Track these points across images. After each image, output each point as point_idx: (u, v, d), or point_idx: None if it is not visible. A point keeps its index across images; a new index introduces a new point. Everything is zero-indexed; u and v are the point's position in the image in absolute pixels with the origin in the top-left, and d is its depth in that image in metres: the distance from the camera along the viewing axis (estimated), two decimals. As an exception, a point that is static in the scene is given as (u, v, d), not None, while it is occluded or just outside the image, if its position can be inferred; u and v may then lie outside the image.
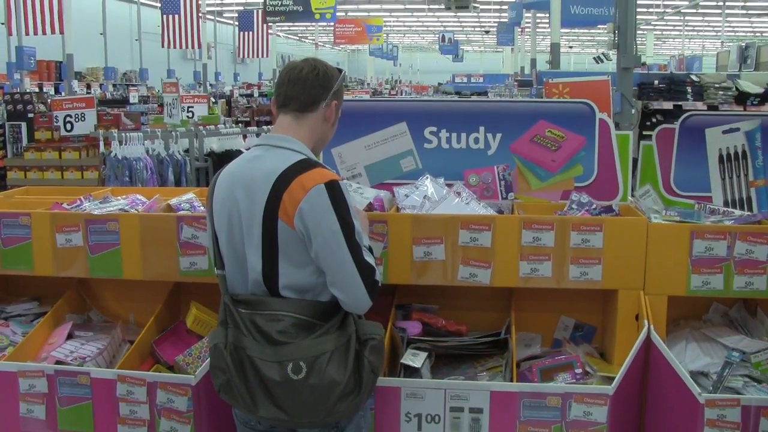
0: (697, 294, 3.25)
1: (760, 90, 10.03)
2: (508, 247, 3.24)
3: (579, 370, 3.26)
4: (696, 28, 43.93)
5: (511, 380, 3.13)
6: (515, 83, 16.15)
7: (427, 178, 3.59)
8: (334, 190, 2.59)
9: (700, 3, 28.52)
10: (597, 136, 3.65)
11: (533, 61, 22.78)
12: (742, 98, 10.08)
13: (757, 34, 41.94)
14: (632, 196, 3.63)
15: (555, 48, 16.71)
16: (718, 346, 3.28)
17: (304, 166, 2.63)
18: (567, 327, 3.66)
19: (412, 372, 3.20)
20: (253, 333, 2.61)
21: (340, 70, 2.87)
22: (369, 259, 2.67)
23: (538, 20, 26.15)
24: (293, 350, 2.57)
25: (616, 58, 8.55)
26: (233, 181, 2.71)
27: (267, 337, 2.59)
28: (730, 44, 26.61)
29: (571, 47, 48.04)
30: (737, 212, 3.45)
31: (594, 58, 21.68)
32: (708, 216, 3.40)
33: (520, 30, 29.21)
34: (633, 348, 3.10)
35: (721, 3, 31.20)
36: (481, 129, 3.71)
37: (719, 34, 39.07)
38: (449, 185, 3.59)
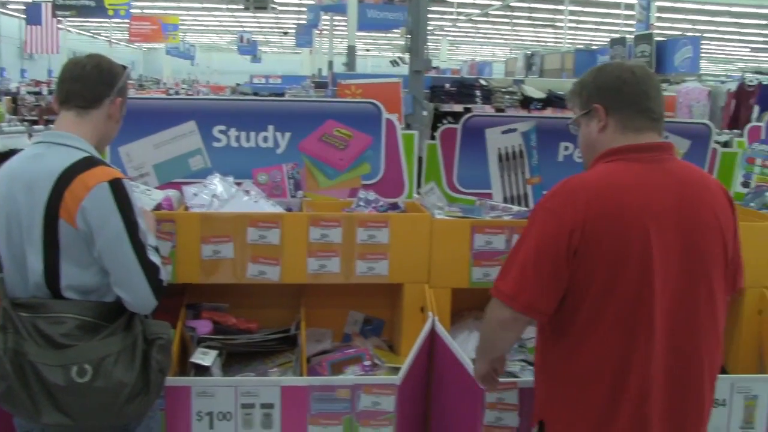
0: (479, 286, 3.40)
1: (542, 95, 10.61)
2: (297, 244, 3.28)
3: (368, 363, 3.34)
4: (487, 36, 45.73)
5: (301, 375, 3.17)
6: (312, 84, 16.28)
7: (216, 176, 3.57)
8: (117, 188, 2.54)
9: (490, 12, 29.70)
10: (384, 135, 3.74)
11: (330, 63, 23.06)
12: (526, 102, 10.63)
13: (542, 44, 44.16)
14: (417, 193, 3.75)
15: (351, 50, 16.94)
16: (498, 335, 3.44)
17: (87, 164, 2.56)
18: (357, 321, 3.74)
19: (202, 371, 3.17)
20: (35, 337, 2.51)
21: (124, 67, 2.81)
22: (154, 258, 2.64)
23: (335, 23, 26.49)
24: (78, 353, 2.50)
25: (409, 61, 8.77)
26: (12, 179, 2.61)
27: (50, 340, 2.51)
28: (518, 52, 27.89)
29: (368, 50, 48.85)
30: (515, 208, 3.63)
31: (390, 62, 22.21)
32: (488, 212, 3.57)
33: (318, 32, 29.44)
34: (418, 339, 3.21)
35: (509, 13, 32.67)
36: (270, 128, 3.73)
37: (508, 42, 40.92)
38: (238, 184, 3.59)
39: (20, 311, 2.56)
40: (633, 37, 17.17)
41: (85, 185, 2.51)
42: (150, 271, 2.60)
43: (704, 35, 27.83)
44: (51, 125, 2.84)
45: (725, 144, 6.25)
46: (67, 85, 2.69)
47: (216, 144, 3.74)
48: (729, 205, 2.59)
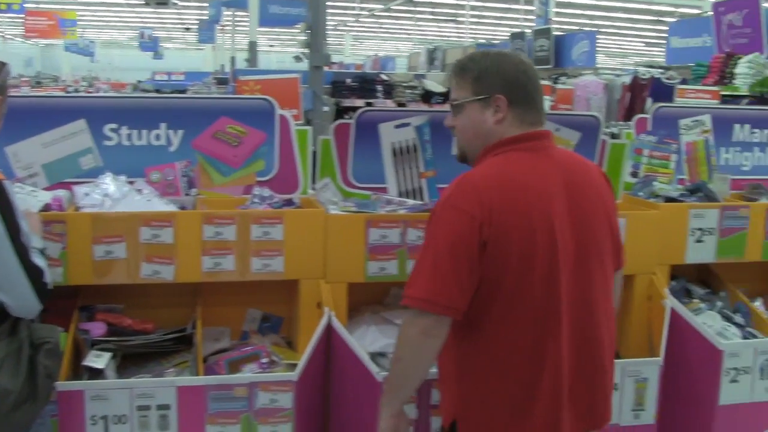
0: (375, 280, 3.42)
1: (443, 89, 10.72)
2: (190, 242, 3.25)
3: (265, 360, 3.33)
4: (390, 31, 45.92)
5: (198, 374, 3.15)
6: (214, 81, 16.11)
7: (107, 176, 3.51)
8: None
9: (393, 7, 29.83)
10: (277, 131, 3.73)
11: (233, 59, 22.84)
12: (427, 96, 10.73)
13: (445, 38, 44.57)
14: (313, 189, 3.75)
15: (253, 46, 16.88)
16: (395, 328, 3.46)
17: None
18: (254, 319, 3.72)
19: (96, 374, 3.12)
20: None
21: (3, 64, 2.73)
22: (38, 261, 2.57)
23: (238, 18, 26.22)
24: None
25: (309, 56, 8.76)
26: None
27: None
28: (422, 47, 28.09)
29: (272, 46, 48.49)
30: (410, 201, 3.67)
31: (294, 57, 22.10)
32: (384, 206, 3.59)
33: (220, 28, 29.11)
34: (314, 335, 3.22)
35: (412, 8, 32.84)
36: (163, 125, 3.67)
37: (411, 36, 41.15)
38: (131, 183, 3.53)
39: None
40: (532, 31, 17.51)
41: None
42: (33, 274, 2.53)
43: (600, 30, 28.52)
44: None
45: (615, 136, 6.43)
46: None
47: (107, 142, 3.67)
48: (608, 185, 2.71)
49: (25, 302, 2.53)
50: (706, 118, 4.36)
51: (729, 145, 4.46)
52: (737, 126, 4.46)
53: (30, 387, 2.54)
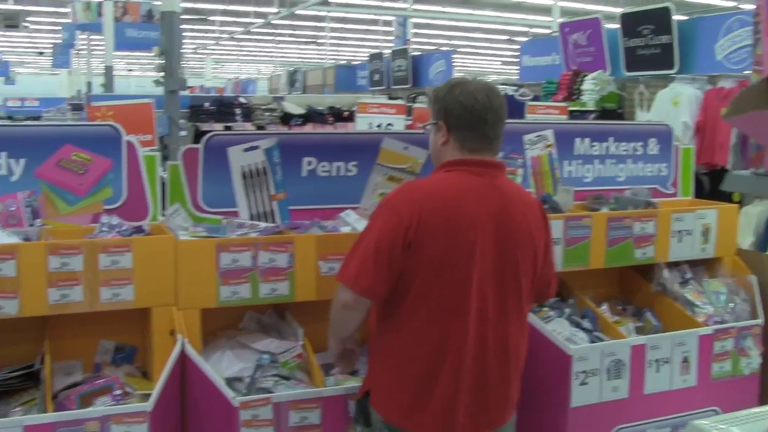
0: (228, 304, 3.41)
1: (302, 111, 10.77)
2: (35, 274, 3.15)
3: (118, 392, 3.26)
4: (251, 53, 45.73)
5: (47, 411, 3.05)
6: (69, 107, 15.67)
7: (-55, 209, 3.38)
8: None
9: (253, 30, 29.70)
10: (125, 158, 3.67)
11: (89, 84, 22.29)
12: (287, 119, 10.75)
13: (306, 60, 44.70)
14: (162, 215, 3.70)
15: (109, 71, 16.56)
16: (251, 352, 3.47)
17: None
18: (107, 350, 3.63)
19: (-64, 418, 2.99)
20: None
21: None
22: None
23: (94, 42, 25.61)
24: None
25: (164, 81, 8.66)
26: None
27: None
28: (283, 69, 28.10)
29: (131, 70, 47.54)
30: (262, 224, 3.67)
31: (154, 82, 21.74)
32: (235, 230, 3.58)
33: (76, 52, 28.37)
34: (168, 363, 3.18)
35: (272, 30, 32.81)
36: (3, 154, 3.55)
37: (273, 59, 41.10)
38: (-31, 216, 3.41)
39: None
40: (390, 52, 17.77)
41: None
42: None
43: (458, 50, 29.18)
44: None
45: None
46: None
47: (-56, 175, 3.53)
48: (543, 222, 3.04)
49: None
50: (549, 133, 4.52)
51: (571, 158, 4.63)
52: (578, 140, 4.64)
53: None
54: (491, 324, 2.86)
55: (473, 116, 2.85)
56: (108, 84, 16.64)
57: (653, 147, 4.83)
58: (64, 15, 25.57)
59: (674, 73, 9.21)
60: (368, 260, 2.76)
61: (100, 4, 17.59)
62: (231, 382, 3.30)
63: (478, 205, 2.82)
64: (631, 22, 10.04)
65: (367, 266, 2.75)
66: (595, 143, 4.68)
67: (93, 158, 3.62)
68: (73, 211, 3.62)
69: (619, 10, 10.91)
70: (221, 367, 3.36)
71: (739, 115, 1.64)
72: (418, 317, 2.82)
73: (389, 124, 10.04)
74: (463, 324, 2.81)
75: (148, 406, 3.04)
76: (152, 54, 10.68)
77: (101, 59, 22.73)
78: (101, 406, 3.14)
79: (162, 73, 8.79)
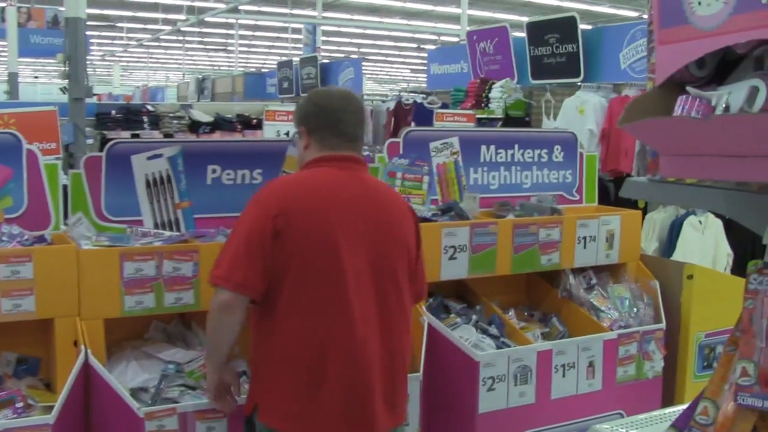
0: (132, 314, 3.36)
1: (210, 118, 10.68)
2: (-70, 285, 3.07)
3: (20, 404, 3.17)
4: (160, 61, 45.15)
5: (-57, 427, 2.97)
6: (-30, 115, 15.28)
7: None
8: None
9: (161, 37, 29.36)
10: (25, 166, 3.59)
11: (-9, 92, 21.72)
12: (195, 126, 10.65)
13: (215, 67, 44.32)
14: (65, 224, 3.63)
15: (13, 78, 16.18)
16: (157, 362, 3.42)
17: None
18: (9, 362, 3.53)
19: None
20: None
21: None
22: None
23: (-5, 49, 24.99)
24: None
25: (69, 88, 8.50)
26: None
27: None
28: (192, 77, 27.82)
29: (37, 77, 46.43)
30: (167, 233, 3.62)
31: (60, 89, 21.27)
32: (140, 238, 3.53)
33: (-23, 59, 27.63)
34: (70, 375, 3.11)
35: (180, 38, 32.47)
36: None
37: (181, 66, 40.64)
38: None
39: None
40: (299, 60, 17.76)
41: None
42: None
43: (367, 57, 29.33)
44: None
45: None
46: None
47: None
48: (413, 221, 3.09)
49: None
50: (455, 141, 4.58)
51: (477, 165, 4.69)
52: (484, 147, 4.71)
53: None
54: (374, 324, 2.85)
55: (330, 115, 2.97)
56: (12, 91, 16.23)
57: (558, 154, 4.93)
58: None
59: (580, 82, 9.39)
60: (239, 254, 2.74)
61: (3, 9, 17.13)
62: (136, 392, 3.25)
63: (342, 191, 2.89)
64: (537, 31, 10.20)
65: (239, 260, 2.73)
66: (500, 150, 4.75)
67: (-8, 167, 3.53)
68: (-26, 222, 3.52)
69: (526, 19, 11.08)
70: (126, 378, 3.30)
71: (632, 122, 1.70)
72: (295, 316, 2.79)
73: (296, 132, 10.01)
74: (344, 323, 2.79)
75: (51, 418, 2.97)
76: (53, 60, 10.42)
77: (5, 66, 22.20)
78: (2, 420, 3.06)
79: (66, 81, 8.63)
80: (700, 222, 6.39)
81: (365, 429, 2.87)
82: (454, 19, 22.98)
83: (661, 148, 1.72)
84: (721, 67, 1.71)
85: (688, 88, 1.64)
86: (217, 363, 2.95)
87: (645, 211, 6.94)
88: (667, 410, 2.49)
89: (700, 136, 1.55)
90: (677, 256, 6.18)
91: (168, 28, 27.07)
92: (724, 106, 1.56)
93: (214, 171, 3.85)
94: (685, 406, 2.02)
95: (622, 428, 2.34)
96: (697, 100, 1.60)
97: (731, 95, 1.57)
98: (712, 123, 1.51)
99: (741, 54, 1.66)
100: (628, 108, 1.73)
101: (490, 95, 10.29)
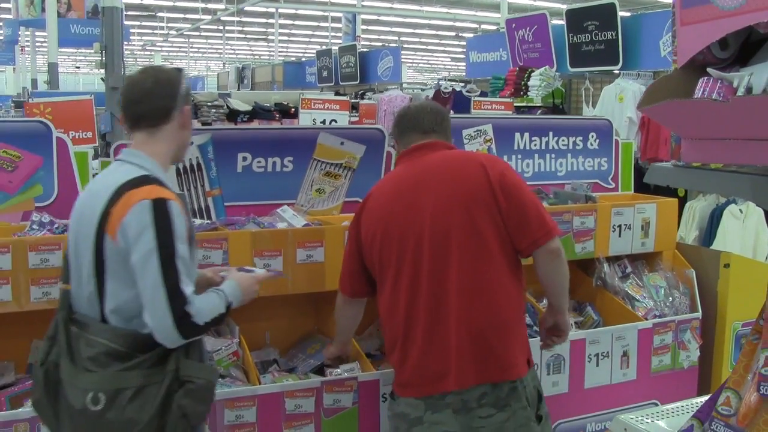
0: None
1: (248, 107, 10.67)
2: (-40, 273, 3.10)
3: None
4: (201, 50, 45.42)
5: (-28, 414, 3.00)
6: (12, 104, 15.43)
7: None
8: (159, 207, 2.45)
9: (201, 26, 29.51)
10: (55, 155, 3.62)
11: (34, 81, 21.95)
12: (233, 115, 10.65)
13: (256, 57, 44.48)
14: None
15: (53, 68, 16.30)
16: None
17: (139, 181, 2.51)
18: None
19: None
20: (72, 355, 2.50)
21: (179, 70, 2.71)
22: (186, 288, 2.45)
23: (38, 39, 25.24)
24: (96, 380, 2.44)
25: (105, 77, 8.57)
26: (87, 192, 2.67)
27: (79, 361, 2.48)
28: (232, 66, 27.93)
29: (78, 68, 46.92)
30: (198, 221, 3.64)
31: (101, 79, 21.46)
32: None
33: (20, 49, 27.93)
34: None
35: (221, 27, 32.61)
36: (-71, 152, 3.50)
37: (222, 56, 40.84)
38: None
39: (72, 326, 2.55)
40: (338, 48, 17.74)
41: (129, 202, 2.46)
42: (175, 298, 2.42)
43: (406, 46, 29.23)
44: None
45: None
46: (131, 110, 2.65)
47: None
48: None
49: (163, 326, 2.42)
50: (488, 128, 4.54)
51: (511, 152, 4.65)
52: (518, 134, 4.66)
53: (160, 423, 2.45)
54: (436, 288, 2.92)
55: (408, 119, 3.22)
56: (52, 81, 16.35)
57: (593, 142, 4.87)
58: (6, 11, 25.17)
59: (618, 69, 9.28)
60: (344, 269, 3.28)
61: (43, 0, 17.30)
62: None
63: (395, 188, 3.10)
64: (576, 19, 10.08)
65: (343, 274, 3.26)
66: (534, 138, 4.71)
67: (22, 155, 3.56)
68: (3, 209, 3.56)
69: (565, 7, 10.95)
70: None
71: (653, 105, 1.65)
72: (381, 294, 3.09)
73: (333, 120, 10.00)
74: (414, 293, 2.95)
75: (79, 405, 2.99)
76: (92, 51, 10.48)
77: (46, 56, 22.48)
78: (30, 408, 3.09)
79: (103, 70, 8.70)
80: (741, 211, 6.28)
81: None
82: (494, 7, 22.82)
83: (683, 131, 1.68)
84: (745, 48, 1.66)
85: (709, 70, 1.60)
86: (342, 341, 3.48)
87: (685, 200, 6.85)
88: (695, 400, 2.44)
89: (721, 119, 1.50)
90: (717, 245, 6.09)
91: (208, 17, 27.20)
92: (745, 87, 1.52)
93: (244, 159, 3.85)
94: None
95: (647, 418, 2.30)
96: (719, 81, 1.55)
97: (753, 76, 1.52)
98: (733, 105, 1.46)
99: (765, 34, 1.61)
100: (649, 90, 1.69)
101: (529, 83, 10.20)
